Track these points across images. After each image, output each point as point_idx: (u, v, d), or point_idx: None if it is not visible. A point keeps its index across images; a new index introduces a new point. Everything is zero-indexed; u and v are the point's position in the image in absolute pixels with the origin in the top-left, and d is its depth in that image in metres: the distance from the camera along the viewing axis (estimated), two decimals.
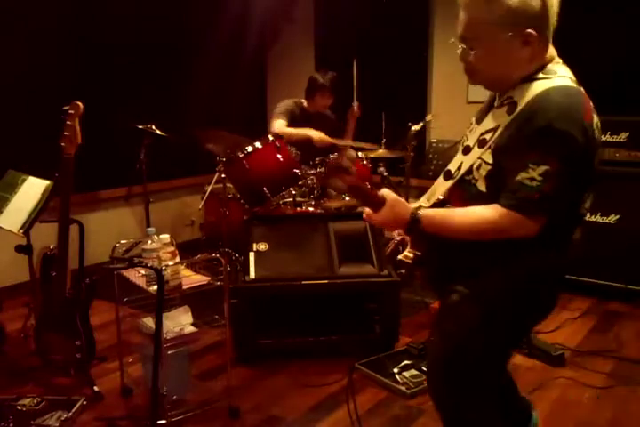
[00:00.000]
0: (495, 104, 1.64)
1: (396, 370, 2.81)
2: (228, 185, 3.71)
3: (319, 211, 3.63)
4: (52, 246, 2.64)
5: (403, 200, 1.66)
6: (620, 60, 3.95)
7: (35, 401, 2.50)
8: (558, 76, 1.56)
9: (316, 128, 4.01)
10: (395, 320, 3.04)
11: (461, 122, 4.29)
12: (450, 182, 1.68)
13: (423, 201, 1.76)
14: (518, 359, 3.00)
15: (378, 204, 1.64)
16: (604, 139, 3.63)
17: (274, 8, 5.22)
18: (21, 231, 2.71)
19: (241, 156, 3.37)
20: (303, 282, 2.94)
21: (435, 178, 1.79)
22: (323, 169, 3.55)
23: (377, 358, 2.94)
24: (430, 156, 4.52)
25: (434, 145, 4.58)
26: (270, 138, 3.46)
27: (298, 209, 3.68)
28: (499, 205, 1.52)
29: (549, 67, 1.57)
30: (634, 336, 3.29)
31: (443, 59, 4.87)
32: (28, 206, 2.75)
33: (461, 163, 1.65)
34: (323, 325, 3.00)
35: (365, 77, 5.09)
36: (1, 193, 2.88)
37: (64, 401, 2.53)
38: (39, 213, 2.73)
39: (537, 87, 1.52)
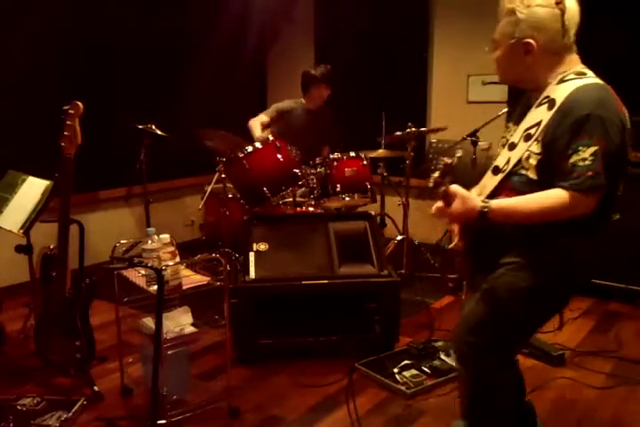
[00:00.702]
0: (533, 105, 1.83)
1: (395, 370, 2.80)
2: (228, 185, 3.71)
3: (319, 211, 3.64)
4: (51, 246, 2.64)
5: (472, 195, 1.83)
6: (620, 60, 3.95)
7: (35, 401, 2.50)
8: (588, 76, 1.79)
9: (317, 125, 4.04)
10: (395, 320, 3.04)
11: (461, 122, 4.35)
12: (500, 176, 1.85)
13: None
14: (518, 359, 3.00)
15: (451, 199, 1.81)
16: None
17: (274, 8, 5.22)
18: (21, 231, 2.72)
19: (241, 156, 3.37)
20: (303, 282, 2.94)
21: None
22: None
23: (377, 358, 2.93)
24: (430, 156, 4.52)
25: (434, 145, 4.58)
26: (270, 138, 3.46)
27: (298, 209, 3.68)
28: (558, 189, 1.70)
29: (579, 69, 1.81)
30: (634, 336, 3.29)
31: (443, 59, 4.87)
32: (28, 206, 2.75)
33: (509, 158, 1.84)
34: (323, 325, 3.00)
35: (365, 77, 5.11)
36: (1, 193, 2.88)
37: (64, 401, 2.53)
38: (39, 213, 2.73)
39: (571, 85, 1.74)
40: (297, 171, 3.40)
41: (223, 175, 3.65)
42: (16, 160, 3.06)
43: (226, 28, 5.03)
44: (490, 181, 1.90)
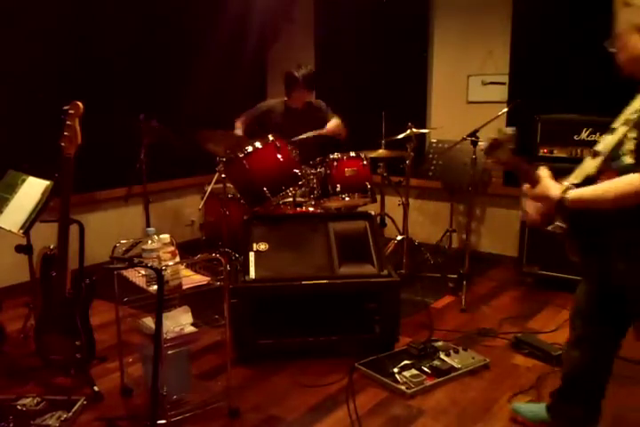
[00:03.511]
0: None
1: (396, 370, 2.80)
2: (228, 185, 3.71)
3: (319, 211, 3.64)
4: (51, 246, 2.63)
5: (554, 183, 1.92)
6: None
7: (35, 401, 2.50)
8: None
9: (309, 121, 4.03)
10: (395, 320, 3.04)
11: (461, 122, 4.34)
12: (599, 159, 1.89)
13: (572, 178, 1.94)
14: (518, 359, 3.00)
15: (534, 181, 1.93)
16: None
17: (274, 8, 5.22)
18: (21, 231, 2.72)
19: (241, 156, 3.37)
20: (303, 282, 2.94)
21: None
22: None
23: (377, 358, 2.93)
24: (430, 156, 4.52)
25: (434, 145, 4.58)
26: (270, 138, 3.46)
27: (298, 209, 3.68)
28: (634, 173, 1.72)
29: None
30: (634, 336, 3.28)
31: (443, 59, 4.87)
32: (28, 206, 2.75)
33: (608, 142, 1.88)
34: (323, 325, 3.00)
35: (365, 77, 5.11)
36: (1, 193, 2.88)
37: (64, 401, 2.53)
38: (39, 213, 2.73)
39: None
40: (297, 171, 3.40)
41: (223, 175, 3.65)
42: (16, 160, 3.06)
43: (226, 28, 5.02)
44: (589, 165, 1.94)
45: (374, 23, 5.00)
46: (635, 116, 1.82)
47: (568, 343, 2.30)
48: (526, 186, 1.97)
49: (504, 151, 1.98)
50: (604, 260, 1.92)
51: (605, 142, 1.91)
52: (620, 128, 1.87)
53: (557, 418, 2.33)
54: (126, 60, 4.57)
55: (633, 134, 1.79)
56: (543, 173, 1.96)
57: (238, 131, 4.11)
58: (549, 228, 2.05)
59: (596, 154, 1.93)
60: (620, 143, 1.83)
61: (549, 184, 1.91)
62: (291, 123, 4.09)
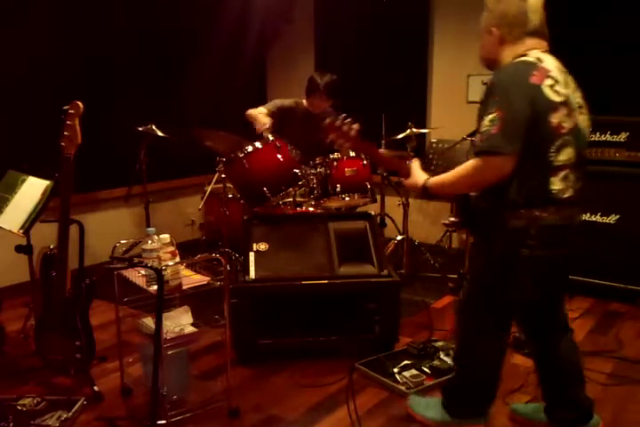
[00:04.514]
0: None
1: (396, 370, 2.80)
2: (228, 185, 3.71)
3: (319, 211, 3.64)
4: (51, 246, 2.64)
5: (421, 172, 2.17)
6: (620, 60, 3.96)
7: (35, 401, 2.50)
8: (527, 57, 2.01)
9: (318, 127, 4.01)
10: (394, 320, 3.04)
11: (461, 122, 4.34)
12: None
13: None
14: (518, 359, 3.00)
15: (403, 173, 2.20)
16: (603, 139, 3.65)
17: (274, 8, 5.22)
18: (21, 231, 2.71)
19: (241, 156, 3.37)
20: (303, 282, 2.94)
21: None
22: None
23: (377, 358, 2.93)
24: (430, 156, 4.52)
25: (434, 145, 4.58)
26: (270, 138, 3.46)
27: (298, 209, 3.68)
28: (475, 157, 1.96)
29: (525, 52, 2.04)
30: (634, 336, 3.29)
31: (443, 59, 4.87)
32: (28, 206, 2.75)
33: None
34: (322, 325, 3.00)
35: (365, 77, 5.11)
36: (1, 193, 2.87)
37: (64, 401, 2.53)
38: (39, 213, 2.73)
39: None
40: (297, 171, 3.39)
41: (223, 175, 3.65)
42: (16, 160, 3.05)
43: (226, 28, 5.03)
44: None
45: (374, 23, 5.00)
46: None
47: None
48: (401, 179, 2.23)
49: (345, 135, 2.18)
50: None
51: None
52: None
53: (554, 419, 2.33)
54: (126, 60, 4.58)
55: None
56: (414, 164, 2.21)
57: (261, 116, 3.82)
58: (446, 222, 2.49)
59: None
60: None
61: (416, 174, 2.17)
62: (308, 127, 4.08)
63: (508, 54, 2.07)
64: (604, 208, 3.67)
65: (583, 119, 2.08)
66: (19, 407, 2.47)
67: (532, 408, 2.47)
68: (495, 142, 1.88)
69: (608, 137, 3.64)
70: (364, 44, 5.08)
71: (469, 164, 1.97)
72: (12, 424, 2.37)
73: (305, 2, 5.40)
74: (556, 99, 1.96)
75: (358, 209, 3.95)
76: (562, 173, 1.99)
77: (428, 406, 2.44)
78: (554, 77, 1.99)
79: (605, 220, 3.69)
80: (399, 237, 4.16)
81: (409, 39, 4.93)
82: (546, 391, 2.35)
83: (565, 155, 1.99)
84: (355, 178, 3.65)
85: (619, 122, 3.63)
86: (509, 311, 2.21)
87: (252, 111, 3.86)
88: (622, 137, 3.62)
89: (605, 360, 2.99)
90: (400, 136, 4.06)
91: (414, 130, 4.03)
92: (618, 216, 3.66)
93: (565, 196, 2.01)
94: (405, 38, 4.93)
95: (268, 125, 3.64)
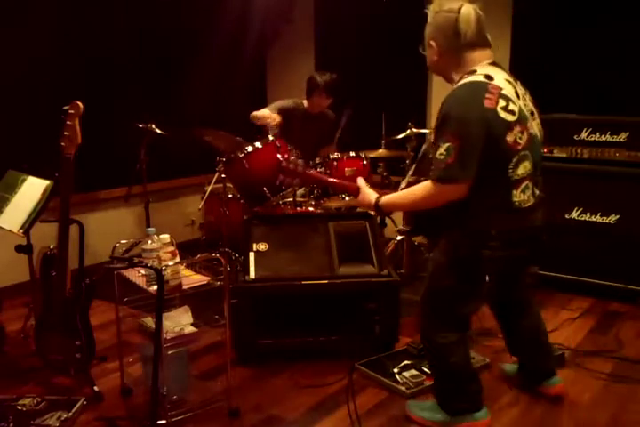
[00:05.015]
0: None
1: (396, 370, 2.80)
2: (228, 185, 3.71)
3: (319, 211, 3.64)
4: (51, 246, 2.64)
5: (371, 191, 2.26)
6: (620, 60, 3.96)
7: (35, 401, 2.50)
8: (477, 74, 2.04)
9: (317, 128, 4.02)
10: (394, 320, 3.04)
11: None
12: (413, 167, 2.55)
13: (402, 183, 2.46)
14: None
15: (353, 193, 2.32)
16: (603, 139, 3.65)
17: (274, 8, 5.22)
18: (21, 231, 2.71)
19: (241, 156, 3.37)
20: (303, 282, 2.94)
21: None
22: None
23: (377, 358, 2.93)
24: (430, 156, 4.51)
25: (434, 145, 4.58)
26: (270, 138, 3.46)
27: (298, 209, 3.68)
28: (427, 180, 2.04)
29: (475, 68, 2.07)
30: (634, 336, 3.29)
31: None
32: (28, 206, 2.75)
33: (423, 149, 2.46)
34: (323, 325, 3.00)
35: (365, 77, 5.11)
36: (1, 193, 2.87)
37: (64, 401, 2.53)
38: (39, 213, 2.73)
39: (456, 86, 2.08)
40: None
41: (223, 175, 3.65)
42: (16, 160, 3.06)
43: (226, 28, 5.02)
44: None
45: (374, 23, 5.00)
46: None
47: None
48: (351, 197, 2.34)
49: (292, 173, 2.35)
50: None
51: (422, 149, 2.20)
52: (432, 135, 2.11)
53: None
54: (126, 60, 4.57)
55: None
56: (360, 182, 2.32)
57: (266, 110, 3.90)
58: (396, 229, 2.48)
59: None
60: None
61: (366, 192, 2.27)
62: (306, 128, 4.09)
63: (455, 71, 2.13)
64: (604, 208, 3.67)
65: (536, 124, 2.15)
66: (19, 407, 2.47)
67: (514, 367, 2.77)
68: (452, 172, 1.96)
69: (608, 137, 3.64)
70: (364, 44, 5.08)
71: (423, 188, 2.03)
72: (11, 424, 2.37)
73: (305, 2, 5.40)
74: (511, 118, 2.00)
75: (358, 209, 3.95)
76: (522, 185, 2.07)
77: (428, 409, 2.45)
78: (506, 96, 2.00)
79: (605, 220, 3.68)
80: (399, 237, 4.16)
81: (409, 39, 4.91)
82: (513, 353, 2.69)
83: (522, 169, 2.06)
84: (354, 178, 3.64)
85: (619, 122, 3.63)
86: (469, 307, 2.30)
87: (257, 112, 3.88)
88: (622, 137, 3.61)
89: (605, 360, 2.99)
90: (400, 136, 4.06)
91: (414, 130, 4.04)
92: (618, 216, 3.65)
93: (527, 205, 2.11)
94: (405, 38, 4.92)
95: (279, 119, 3.68)
